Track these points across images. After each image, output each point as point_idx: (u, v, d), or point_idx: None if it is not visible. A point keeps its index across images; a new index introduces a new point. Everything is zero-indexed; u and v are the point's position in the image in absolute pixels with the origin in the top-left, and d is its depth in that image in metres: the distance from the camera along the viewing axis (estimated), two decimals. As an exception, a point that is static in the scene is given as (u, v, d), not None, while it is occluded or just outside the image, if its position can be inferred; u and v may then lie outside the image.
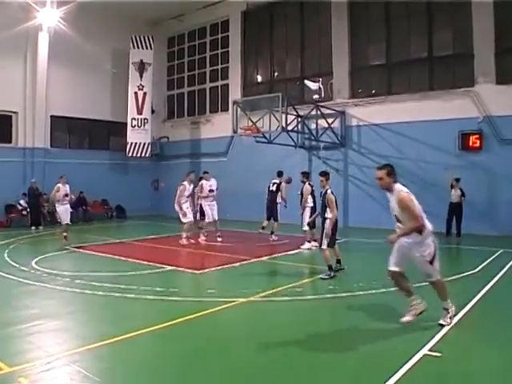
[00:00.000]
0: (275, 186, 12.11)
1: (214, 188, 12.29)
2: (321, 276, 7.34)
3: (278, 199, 12.09)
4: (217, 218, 12.15)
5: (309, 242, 10.64)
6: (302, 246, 10.68)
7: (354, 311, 5.66)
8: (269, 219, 12.11)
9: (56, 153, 17.95)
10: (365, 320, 5.27)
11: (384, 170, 4.79)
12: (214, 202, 12.14)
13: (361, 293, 6.42)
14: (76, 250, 10.61)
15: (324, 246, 7.40)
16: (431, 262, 4.72)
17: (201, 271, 8.14)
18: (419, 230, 4.66)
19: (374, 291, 6.50)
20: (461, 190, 12.04)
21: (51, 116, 18.07)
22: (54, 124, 18.32)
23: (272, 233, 11.98)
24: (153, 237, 13.07)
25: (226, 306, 5.80)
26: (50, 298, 6.37)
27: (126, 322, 5.28)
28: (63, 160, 17.75)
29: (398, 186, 4.75)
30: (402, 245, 4.80)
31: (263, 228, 12.07)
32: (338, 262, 7.86)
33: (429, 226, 4.77)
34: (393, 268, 4.87)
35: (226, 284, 7.17)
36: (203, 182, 12.21)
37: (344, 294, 6.37)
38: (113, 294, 6.44)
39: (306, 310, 5.82)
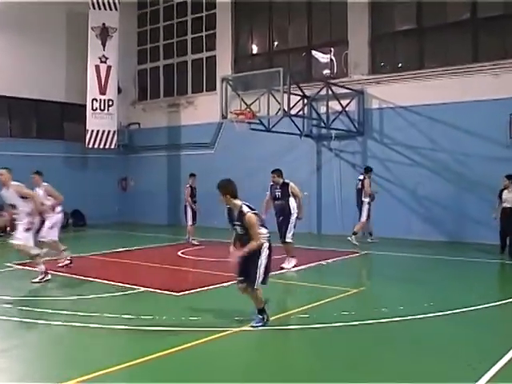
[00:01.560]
0: (360, 182, 13.77)
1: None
2: (252, 324, 6.25)
3: (363, 197, 13.71)
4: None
5: (293, 257, 10.42)
6: (285, 265, 10.15)
7: (376, 344, 5.63)
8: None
9: (-7, 143, 17.86)
10: (391, 354, 5.25)
11: None
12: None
13: (384, 320, 6.38)
14: (19, 267, 10.49)
15: (258, 283, 6.14)
16: None
17: (181, 293, 8.10)
18: None
19: (399, 318, 6.44)
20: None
21: (-14, 96, 18.01)
22: (-9, 106, 18.25)
23: (370, 234, 14.12)
24: (120, 250, 13.00)
25: (212, 337, 5.74)
26: (-16, 330, 6.29)
27: (83, 360, 5.20)
28: (3, 152, 17.55)
29: None
30: None
31: (370, 234, 14.15)
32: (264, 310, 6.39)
33: None
34: None
35: (214, 309, 7.12)
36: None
37: (363, 322, 6.32)
38: (67, 323, 6.36)
39: (315, 343, 5.76)
